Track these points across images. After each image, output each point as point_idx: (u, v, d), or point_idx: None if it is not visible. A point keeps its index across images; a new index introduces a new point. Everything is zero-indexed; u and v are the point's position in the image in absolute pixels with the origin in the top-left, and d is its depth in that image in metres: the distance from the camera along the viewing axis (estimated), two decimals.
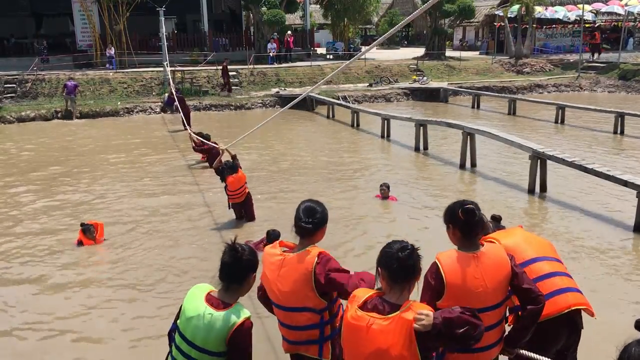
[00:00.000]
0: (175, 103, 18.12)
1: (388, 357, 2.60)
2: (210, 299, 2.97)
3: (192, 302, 3.00)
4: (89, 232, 8.35)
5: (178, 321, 3.07)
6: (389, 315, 2.64)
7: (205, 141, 12.71)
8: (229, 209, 9.46)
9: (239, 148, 15.20)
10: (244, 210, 9.42)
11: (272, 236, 7.37)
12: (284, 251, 3.39)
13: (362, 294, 2.82)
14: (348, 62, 6.45)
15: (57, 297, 6.77)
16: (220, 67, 25.12)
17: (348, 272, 3.30)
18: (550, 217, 9.61)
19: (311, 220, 3.32)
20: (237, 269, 2.97)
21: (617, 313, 5.96)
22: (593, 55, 31.59)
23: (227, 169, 9.14)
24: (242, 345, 2.89)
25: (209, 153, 12.90)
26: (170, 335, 3.17)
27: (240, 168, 9.32)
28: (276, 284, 3.31)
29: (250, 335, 2.93)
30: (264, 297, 3.59)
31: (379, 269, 2.82)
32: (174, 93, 18.56)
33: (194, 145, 13.33)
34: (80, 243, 8.33)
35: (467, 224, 3.18)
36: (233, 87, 25.83)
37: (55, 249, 8.33)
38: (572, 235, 8.55)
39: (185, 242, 8.51)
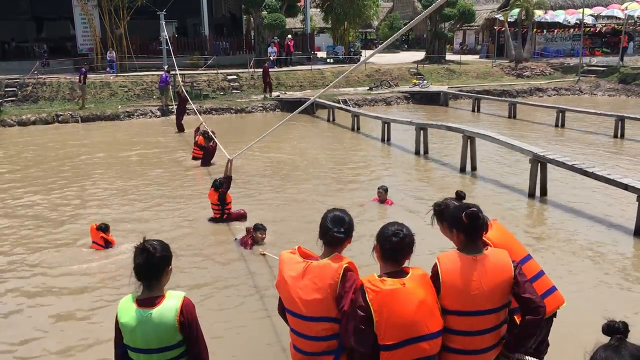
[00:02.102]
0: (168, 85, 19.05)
1: (428, 306, 3.01)
2: (141, 303, 3.00)
3: (126, 314, 3.00)
4: (107, 231, 8.28)
5: (124, 340, 3.04)
6: (405, 277, 3.04)
7: (215, 139, 13.23)
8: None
9: (238, 149, 15.26)
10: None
11: (215, 184, 8.63)
12: (303, 258, 3.25)
13: (367, 277, 3.08)
14: (355, 66, 6.49)
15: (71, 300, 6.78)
16: (262, 69, 25.24)
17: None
18: (550, 220, 9.61)
19: (343, 230, 3.24)
20: (152, 267, 2.99)
21: (617, 317, 5.95)
22: (622, 59, 30.50)
23: (215, 183, 9.38)
24: (193, 322, 3.01)
25: (205, 150, 13.52)
26: (123, 358, 3.12)
27: (221, 189, 9.29)
28: (297, 292, 3.17)
29: (195, 311, 3.05)
30: (282, 309, 3.41)
31: (375, 242, 3.19)
32: (183, 92, 18.86)
33: (198, 127, 14.81)
34: (107, 243, 8.22)
35: (470, 227, 3.18)
36: (234, 91, 25.91)
37: (54, 254, 8.33)
38: (572, 239, 8.54)
39: (185, 246, 8.49)
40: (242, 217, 9.53)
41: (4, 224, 9.66)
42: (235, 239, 8.53)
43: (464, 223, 3.17)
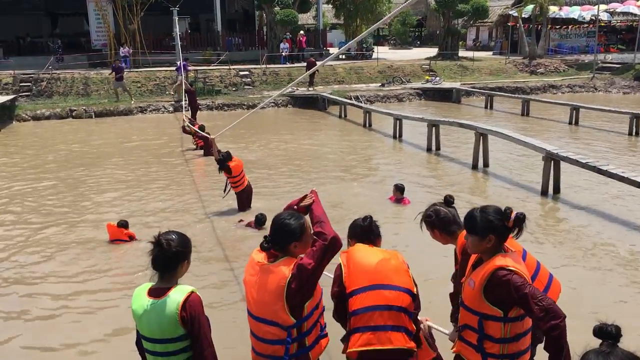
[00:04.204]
0: (185, 71, 20.20)
1: (392, 264, 3.39)
2: (151, 292, 3.04)
3: (137, 302, 3.06)
4: (128, 226, 8.38)
5: (137, 326, 3.12)
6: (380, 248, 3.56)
7: (200, 132, 13.94)
8: (225, 194, 9.71)
9: (250, 144, 15.39)
10: (244, 198, 9.67)
11: (259, 220, 8.61)
12: (270, 258, 3.23)
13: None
14: (321, 63, 6.47)
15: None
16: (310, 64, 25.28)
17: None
18: (563, 219, 9.54)
19: (270, 239, 3.22)
20: (166, 260, 3.02)
21: (631, 316, 5.91)
22: None
23: (226, 157, 9.45)
24: (195, 318, 2.96)
25: (205, 140, 14.07)
26: (139, 345, 3.21)
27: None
28: (251, 291, 3.21)
29: (200, 307, 3.00)
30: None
31: (348, 239, 3.66)
32: (187, 85, 19.01)
33: (184, 127, 15.35)
34: (130, 238, 8.30)
35: (510, 230, 3.10)
36: (246, 87, 25.95)
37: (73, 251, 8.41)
38: (585, 237, 8.47)
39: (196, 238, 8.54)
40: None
41: (18, 220, 9.79)
42: (241, 220, 9.00)
43: (505, 227, 3.07)
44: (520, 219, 3.05)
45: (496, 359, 3.07)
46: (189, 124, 15.06)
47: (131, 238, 8.34)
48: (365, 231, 3.59)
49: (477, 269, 3.13)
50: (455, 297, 3.79)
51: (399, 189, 10.09)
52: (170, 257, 3.01)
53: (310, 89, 25.07)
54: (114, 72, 23.00)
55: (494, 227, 3.06)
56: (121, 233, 8.30)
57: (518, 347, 3.08)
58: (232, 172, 9.43)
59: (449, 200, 3.83)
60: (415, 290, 3.37)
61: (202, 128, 14.37)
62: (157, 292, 3.02)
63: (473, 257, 3.27)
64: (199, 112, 19.72)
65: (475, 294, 3.07)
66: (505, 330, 3.03)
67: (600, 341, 2.16)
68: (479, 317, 3.08)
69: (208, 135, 12.90)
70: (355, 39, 5.40)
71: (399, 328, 3.25)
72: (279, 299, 3.05)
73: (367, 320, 3.24)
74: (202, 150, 14.81)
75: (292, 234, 3.16)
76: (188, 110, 18.10)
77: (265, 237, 3.23)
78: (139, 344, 3.21)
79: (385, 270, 3.34)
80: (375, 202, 10.28)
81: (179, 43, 23.79)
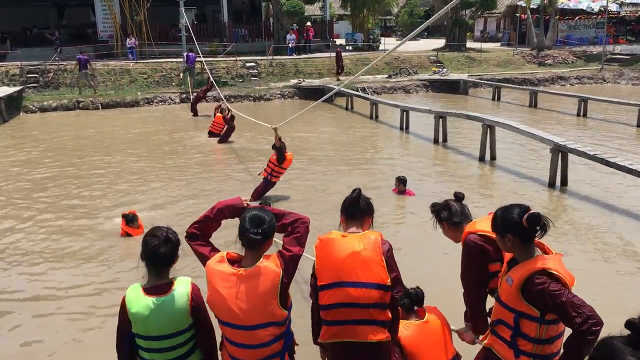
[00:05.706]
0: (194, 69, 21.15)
1: (362, 258, 3.26)
2: (150, 291, 3.01)
3: (137, 304, 2.99)
4: (132, 222, 8.23)
5: (133, 329, 3.03)
6: (359, 234, 3.37)
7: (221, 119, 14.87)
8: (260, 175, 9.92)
9: (258, 134, 15.39)
10: (267, 188, 9.73)
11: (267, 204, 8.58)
12: (233, 264, 3.09)
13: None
14: (387, 52, 6.43)
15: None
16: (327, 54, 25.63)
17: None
18: (571, 211, 9.49)
19: (260, 231, 3.03)
20: (171, 254, 3.05)
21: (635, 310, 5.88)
22: None
23: (283, 147, 9.56)
24: (201, 307, 3.08)
25: (229, 126, 14.77)
26: (123, 347, 3.11)
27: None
28: (235, 302, 3.01)
29: (201, 295, 3.10)
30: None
31: (340, 215, 3.54)
32: (210, 79, 19.32)
33: (224, 114, 15.18)
34: (127, 234, 8.15)
35: (527, 230, 3.00)
36: (252, 78, 25.94)
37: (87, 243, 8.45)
38: (593, 230, 8.43)
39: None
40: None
41: (24, 209, 9.84)
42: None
43: (521, 227, 2.99)
44: (534, 218, 2.97)
45: (529, 357, 3.05)
46: (223, 109, 15.27)
47: (128, 234, 8.19)
48: (352, 204, 3.45)
49: (515, 267, 3.06)
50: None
51: (401, 181, 10.08)
52: (174, 250, 3.07)
53: (339, 78, 25.63)
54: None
55: (510, 226, 3.03)
56: (123, 224, 8.27)
57: (551, 349, 3.06)
58: (285, 164, 9.53)
59: (458, 196, 3.82)
60: (388, 280, 3.25)
61: (233, 116, 14.82)
62: (158, 290, 3.01)
63: (508, 255, 3.22)
64: (200, 104, 19.95)
65: (513, 292, 3.01)
66: (540, 331, 3.00)
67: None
68: (515, 315, 3.05)
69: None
70: (416, 31, 5.25)
71: (367, 322, 3.28)
72: (273, 297, 3.01)
73: (333, 315, 3.31)
74: (216, 138, 15.11)
75: (274, 228, 3.14)
76: (222, 101, 18.13)
77: (256, 232, 3.03)
78: (123, 345, 3.11)
79: (352, 266, 3.25)
80: (379, 193, 10.24)
81: (191, 34, 23.48)
